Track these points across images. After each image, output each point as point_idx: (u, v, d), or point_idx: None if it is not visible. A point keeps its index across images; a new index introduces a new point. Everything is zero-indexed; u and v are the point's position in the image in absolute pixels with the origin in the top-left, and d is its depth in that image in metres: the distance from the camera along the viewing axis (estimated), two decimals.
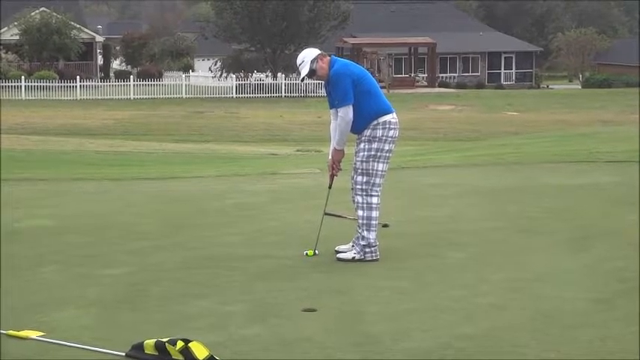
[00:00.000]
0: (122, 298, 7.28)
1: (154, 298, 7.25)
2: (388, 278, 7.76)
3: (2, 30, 70.51)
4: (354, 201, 8.48)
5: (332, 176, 8.64)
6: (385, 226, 9.30)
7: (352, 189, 8.49)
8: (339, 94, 8.24)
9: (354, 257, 8.37)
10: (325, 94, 8.74)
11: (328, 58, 8.44)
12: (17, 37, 67.94)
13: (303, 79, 8.74)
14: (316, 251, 8.56)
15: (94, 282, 7.81)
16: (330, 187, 8.70)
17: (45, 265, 8.47)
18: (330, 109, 8.54)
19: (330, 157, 8.60)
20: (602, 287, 7.28)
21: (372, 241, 8.34)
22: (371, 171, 8.36)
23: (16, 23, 68.08)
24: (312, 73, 8.39)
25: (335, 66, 8.36)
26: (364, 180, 8.36)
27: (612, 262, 8.12)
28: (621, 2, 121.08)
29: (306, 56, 8.39)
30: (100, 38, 78.81)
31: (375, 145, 8.34)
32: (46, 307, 6.98)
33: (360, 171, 8.38)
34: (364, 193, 8.36)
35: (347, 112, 8.22)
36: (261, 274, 7.95)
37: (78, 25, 70.12)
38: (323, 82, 8.57)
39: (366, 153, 8.36)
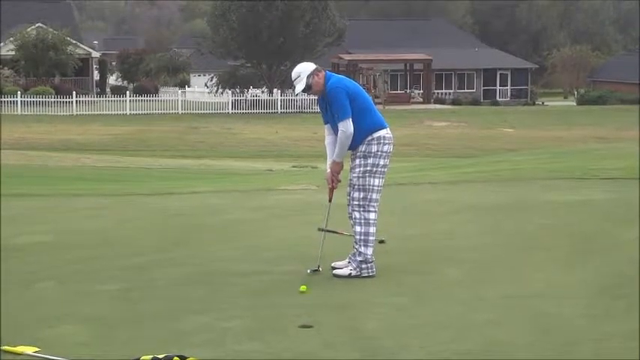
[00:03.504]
0: (118, 314, 7.27)
1: (150, 314, 7.25)
2: (385, 294, 7.76)
3: None
4: (350, 217, 8.48)
5: (332, 190, 8.64)
6: (382, 242, 9.30)
7: (349, 205, 8.50)
8: (338, 108, 8.25)
9: (350, 273, 8.38)
10: (319, 110, 8.76)
11: (323, 73, 8.46)
12: (13, 53, 67.96)
13: (298, 94, 8.73)
14: (320, 268, 8.54)
15: (90, 298, 7.80)
16: (330, 201, 8.69)
17: (41, 281, 8.47)
18: (325, 124, 8.56)
19: (328, 170, 8.61)
20: (599, 303, 7.29)
21: (368, 257, 8.35)
22: (367, 187, 8.37)
23: (12, 39, 68.10)
24: (307, 89, 8.40)
25: (331, 81, 8.37)
26: (361, 196, 8.37)
27: (608, 279, 8.13)
28: (615, 20, 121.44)
29: (302, 71, 8.39)
30: (96, 54, 78.84)
31: (370, 161, 8.36)
32: (42, 323, 6.97)
33: (356, 187, 8.39)
34: (361, 209, 8.37)
35: (347, 126, 8.23)
36: (258, 290, 7.95)
37: (74, 41, 70.18)
38: (317, 97, 8.59)
39: (362, 169, 8.37)
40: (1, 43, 70.27)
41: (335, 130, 8.38)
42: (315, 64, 8.62)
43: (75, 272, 8.85)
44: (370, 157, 8.36)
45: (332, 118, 8.38)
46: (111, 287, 8.17)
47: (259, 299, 7.62)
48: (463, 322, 6.83)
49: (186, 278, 8.49)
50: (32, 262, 9.39)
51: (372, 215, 8.38)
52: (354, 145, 8.37)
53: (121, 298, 7.80)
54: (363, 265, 8.36)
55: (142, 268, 8.99)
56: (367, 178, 8.36)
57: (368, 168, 8.36)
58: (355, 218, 8.41)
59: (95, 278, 8.55)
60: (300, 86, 8.39)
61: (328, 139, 8.55)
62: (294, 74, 8.44)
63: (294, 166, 31.74)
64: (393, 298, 7.60)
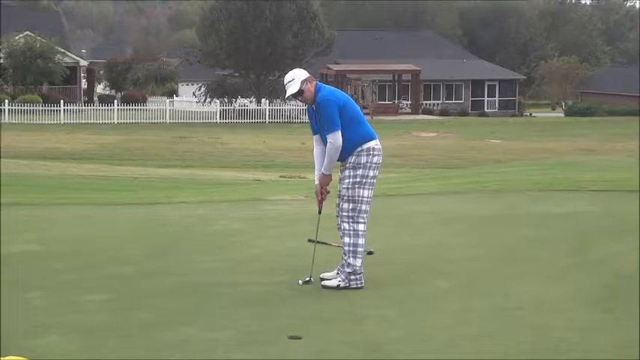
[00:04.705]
0: (107, 324, 7.26)
1: (138, 325, 7.23)
2: (373, 306, 7.76)
3: None
4: (339, 228, 8.49)
5: (321, 201, 8.65)
6: (370, 253, 9.30)
7: (337, 216, 8.51)
8: (327, 120, 8.27)
9: (339, 285, 8.38)
10: (308, 120, 8.78)
11: (315, 82, 8.49)
12: (1, 61, 67.81)
13: (288, 98, 8.73)
14: (311, 279, 8.55)
15: (78, 308, 7.79)
16: (320, 213, 8.70)
17: (30, 291, 8.45)
18: (314, 134, 8.58)
19: (316, 182, 8.62)
20: (587, 316, 7.30)
21: (357, 268, 8.35)
22: (357, 198, 8.38)
23: None
24: (299, 93, 8.39)
25: (321, 92, 8.39)
26: (350, 207, 8.38)
27: (596, 291, 8.15)
28: (603, 32, 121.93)
29: (297, 76, 8.40)
30: (84, 62, 78.74)
31: (359, 172, 8.38)
32: (30, 333, 6.96)
33: (345, 198, 8.39)
34: (351, 220, 8.38)
35: (336, 138, 8.25)
36: (246, 301, 7.94)
37: (62, 50, 70.03)
38: (305, 107, 8.60)
39: (351, 180, 8.39)
40: None
41: (324, 141, 8.40)
42: None
43: (63, 282, 8.84)
44: (360, 168, 8.37)
45: (321, 130, 8.40)
46: (99, 297, 8.16)
47: (248, 310, 7.61)
48: (451, 334, 6.84)
49: (175, 289, 8.49)
50: (20, 271, 9.36)
51: (361, 226, 8.39)
52: (343, 157, 8.38)
53: (109, 308, 7.79)
54: (352, 277, 8.37)
55: (130, 278, 8.98)
56: (356, 190, 8.37)
57: (357, 179, 8.37)
58: (344, 229, 8.41)
59: (83, 288, 8.53)
60: (292, 89, 8.38)
61: (317, 149, 8.57)
62: (287, 77, 8.45)
63: (282, 176, 31.71)
64: (382, 310, 7.61)
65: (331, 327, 7.12)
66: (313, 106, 8.44)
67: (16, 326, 7.19)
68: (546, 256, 9.73)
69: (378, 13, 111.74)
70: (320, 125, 8.41)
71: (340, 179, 8.49)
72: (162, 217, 13.70)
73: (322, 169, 8.48)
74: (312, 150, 8.66)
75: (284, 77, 8.59)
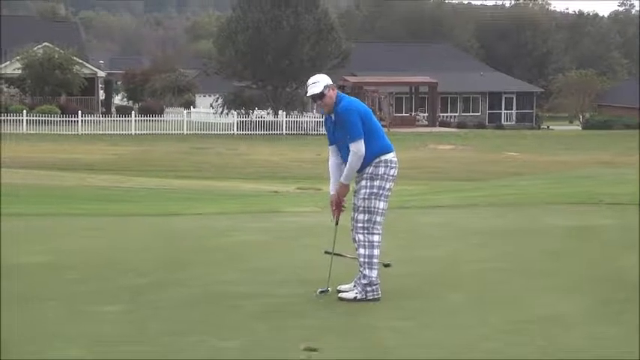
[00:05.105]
0: (120, 334, 7.25)
1: (152, 336, 7.22)
2: (389, 318, 7.73)
3: (5, 64, 70.80)
4: (354, 240, 8.47)
5: (338, 213, 8.62)
6: (387, 265, 9.27)
7: (352, 228, 8.49)
8: (350, 128, 8.25)
9: (355, 297, 8.36)
10: (324, 132, 8.77)
11: (336, 91, 8.50)
12: (20, 72, 68.16)
13: (308, 98, 8.72)
14: (328, 290, 8.53)
15: (92, 318, 7.78)
16: (336, 224, 8.67)
17: (43, 301, 8.45)
18: (330, 145, 8.57)
19: (332, 193, 8.59)
20: (603, 330, 7.26)
21: (373, 279, 8.34)
22: (372, 209, 8.37)
23: (18, 57, 68.30)
24: (320, 96, 8.39)
25: (342, 102, 8.41)
26: (366, 218, 8.36)
27: (612, 306, 8.10)
28: (621, 45, 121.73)
29: (321, 79, 8.46)
30: (101, 73, 79.11)
31: (376, 183, 8.37)
32: (44, 343, 6.95)
33: (361, 209, 8.38)
34: (366, 231, 8.37)
35: (359, 147, 8.24)
36: (261, 313, 7.92)
37: (80, 60, 70.41)
38: (322, 119, 8.60)
39: (367, 191, 8.37)
40: (7, 62, 70.52)
41: (342, 153, 8.39)
42: None
43: (76, 292, 8.83)
44: (377, 179, 8.36)
45: (342, 138, 8.36)
46: (113, 308, 8.15)
47: (262, 322, 7.59)
48: (466, 346, 6.81)
49: (189, 300, 8.47)
50: (34, 282, 9.37)
51: (376, 237, 8.38)
52: (360, 167, 8.37)
53: (122, 319, 7.78)
54: (368, 288, 8.35)
55: (144, 289, 8.96)
56: (372, 201, 8.36)
57: (374, 190, 8.35)
58: (359, 241, 8.40)
59: (97, 299, 8.52)
60: (315, 89, 8.37)
61: (332, 160, 8.56)
62: (312, 79, 8.48)
63: (298, 188, 31.71)
64: (396, 323, 7.58)
65: (346, 338, 7.09)
66: (331, 116, 8.44)
67: (29, 336, 7.18)
68: (562, 270, 9.69)
69: (395, 26, 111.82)
70: (341, 134, 8.38)
71: (356, 190, 8.47)
72: (179, 228, 13.72)
73: (341, 179, 8.46)
74: (328, 161, 8.65)
75: (304, 86, 8.61)
